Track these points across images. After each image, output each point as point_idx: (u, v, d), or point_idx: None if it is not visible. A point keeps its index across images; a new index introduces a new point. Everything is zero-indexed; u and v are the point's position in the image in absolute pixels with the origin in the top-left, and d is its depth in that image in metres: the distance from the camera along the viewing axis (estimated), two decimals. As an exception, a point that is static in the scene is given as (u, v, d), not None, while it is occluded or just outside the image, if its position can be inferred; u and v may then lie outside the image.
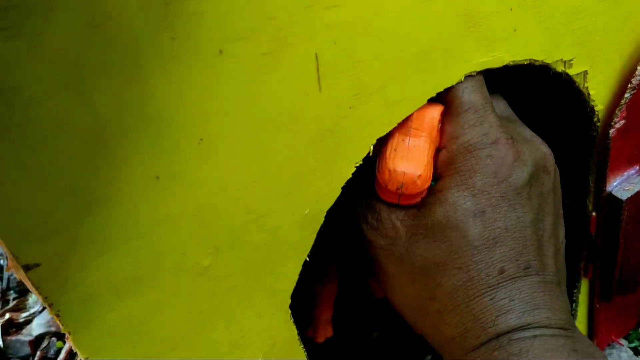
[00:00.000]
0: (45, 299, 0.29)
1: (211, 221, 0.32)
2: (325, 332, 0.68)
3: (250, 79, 0.30)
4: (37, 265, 0.28)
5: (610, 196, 0.51)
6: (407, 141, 0.36)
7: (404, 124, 0.36)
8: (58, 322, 0.30)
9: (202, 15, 0.27)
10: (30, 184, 0.26)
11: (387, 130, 0.35)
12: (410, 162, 0.35)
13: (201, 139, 0.29)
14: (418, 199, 0.37)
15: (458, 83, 0.37)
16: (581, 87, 0.45)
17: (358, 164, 0.35)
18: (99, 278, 0.30)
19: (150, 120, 0.28)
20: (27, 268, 0.27)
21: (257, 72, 0.30)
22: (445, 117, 0.37)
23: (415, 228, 0.36)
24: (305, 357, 0.40)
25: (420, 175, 0.35)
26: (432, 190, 0.37)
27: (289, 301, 0.37)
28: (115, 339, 0.32)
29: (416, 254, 0.36)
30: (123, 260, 0.30)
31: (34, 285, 0.28)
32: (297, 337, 0.39)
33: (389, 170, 0.35)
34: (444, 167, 0.37)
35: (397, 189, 0.35)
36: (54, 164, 0.26)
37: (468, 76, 0.37)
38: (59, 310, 0.29)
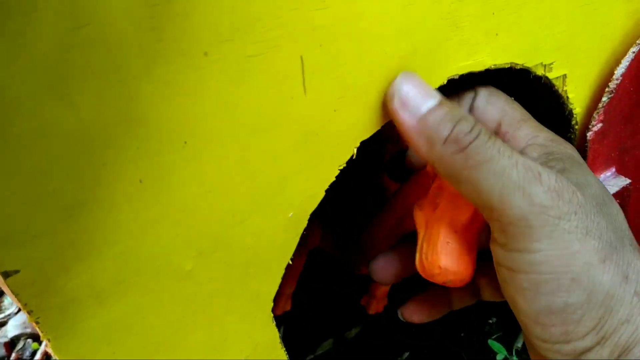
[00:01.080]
0: (25, 305, 0.28)
1: (194, 224, 0.32)
2: (285, 306, 0.67)
3: (236, 81, 0.29)
4: (16, 271, 0.27)
5: (587, 198, 0.51)
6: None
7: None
8: (38, 329, 0.29)
9: (188, 16, 0.27)
10: (10, 188, 0.25)
11: (371, 133, 0.35)
12: (462, 260, 0.34)
13: (185, 142, 0.29)
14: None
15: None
16: (560, 90, 0.45)
17: (342, 167, 0.35)
18: (80, 283, 0.29)
19: (134, 122, 0.27)
20: (5, 275, 0.27)
21: (243, 75, 0.29)
22: None
23: None
24: (286, 358, 0.40)
25: (470, 274, 0.35)
26: None
27: (272, 304, 0.37)
28: (96, 345, 0.31)
29: None
30: (105, 265, 0.29)
31: (13, 292, 0.27)
32: (279, 339, 0.39)
33: (440, 267, 0.34)
34: None
35: (444, 283, 0.35)
36: (35, 168, 0.26)
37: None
38: (38, 317, 0.28)
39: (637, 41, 0.45)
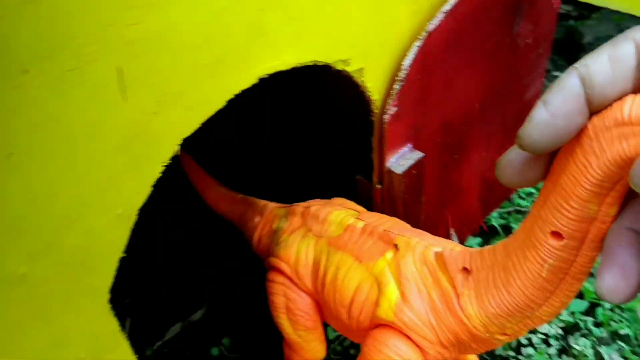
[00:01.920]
0: None
1: (25, 230, 0.33)
2: None
3: (57, 95, 0.31)
4: None
5: (389, 171, 0.59)
6: None
7: None
8: None
9: (5, 37, 0.28)
10: None
11: (191, 132, 0.39)
12: None
13: (11, 153, 0.31)
14: None
15: None
16: (359, 81, 0.52)
17: (165, 164, 0.38)
18: None
19: (-45, 140, 0.28)
20: None
21: (63, 88, 0.31)
22: None
23: None
24: (129, 347, 0.43)
25: None
26: None
27: (108, 296, 0.40)
28: None
29: None
30: None
31: None
32: (118, 329, 0.42)
33: None
34: None
35: None
36: None
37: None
38: None
39: (419, 36, 0.53)
